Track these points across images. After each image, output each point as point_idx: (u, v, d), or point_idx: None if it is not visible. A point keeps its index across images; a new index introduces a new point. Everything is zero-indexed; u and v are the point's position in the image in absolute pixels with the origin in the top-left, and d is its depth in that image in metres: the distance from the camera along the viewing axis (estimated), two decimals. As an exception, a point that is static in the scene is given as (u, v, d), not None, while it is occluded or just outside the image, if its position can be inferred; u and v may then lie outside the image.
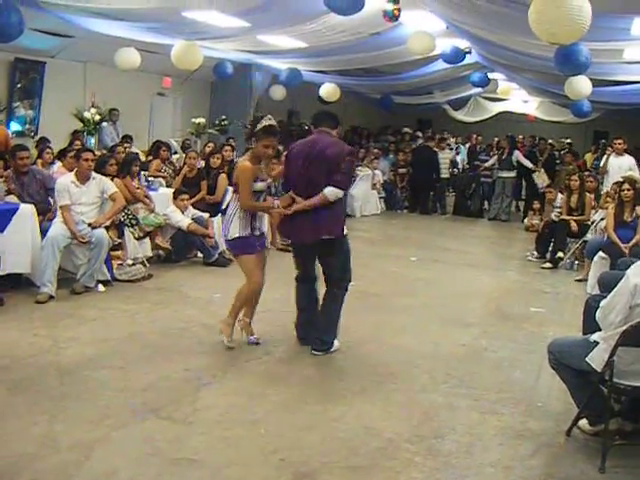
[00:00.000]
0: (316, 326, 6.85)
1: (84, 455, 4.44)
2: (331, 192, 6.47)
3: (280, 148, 10.15)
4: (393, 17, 10.70)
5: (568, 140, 22.37)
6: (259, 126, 6.46)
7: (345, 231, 6.89)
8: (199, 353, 6.51)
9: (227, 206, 7.01)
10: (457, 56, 14.75)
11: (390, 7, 10.55)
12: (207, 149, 13.87)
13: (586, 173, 14.44)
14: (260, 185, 6.59)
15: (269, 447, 4.72)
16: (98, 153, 11.31)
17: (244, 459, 4.57)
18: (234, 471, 4.41)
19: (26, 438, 4.63)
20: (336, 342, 6.85)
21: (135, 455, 4.52)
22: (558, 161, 19.30)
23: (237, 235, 6.56)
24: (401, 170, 19.51)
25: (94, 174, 8.79)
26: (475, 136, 22.07)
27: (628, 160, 13.68)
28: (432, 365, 6.62)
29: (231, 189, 7.25)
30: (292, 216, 6.61)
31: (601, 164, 14.54)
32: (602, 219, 11.01)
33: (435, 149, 19.25)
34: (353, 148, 7.01)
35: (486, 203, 19.34)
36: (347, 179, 6.75)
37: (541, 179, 17.12)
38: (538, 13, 7.78)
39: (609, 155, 14.15)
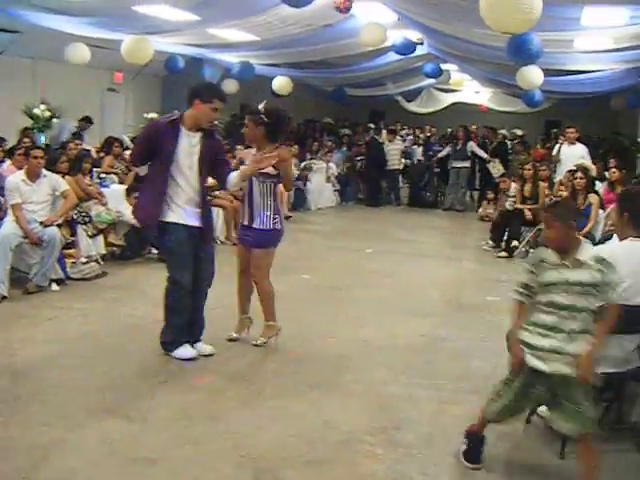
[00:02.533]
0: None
1: (40, 458, 4.36)
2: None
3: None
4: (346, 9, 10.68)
5: (519, 132, 22.54)
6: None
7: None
8: (156, 350, 6.41)
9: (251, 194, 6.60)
10: (408, 47, 14.79)
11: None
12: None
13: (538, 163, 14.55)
14: None
15: (228, 444, 4.68)
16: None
17: (203, 457, 4.51)
18: (194, 469, 4.36)
19: (-20, 442, 4.54)
20: (178, 351, 6.32)
21: (92, 456, 4.45)
22: (511, 151, 19.44)
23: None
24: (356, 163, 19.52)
25: (45, 172, 8.65)
26: (428, 127, 22.17)
27: (580, 149, 13.81)
28: (391, 356, 6.62)
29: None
30: None
31: (553, 153, 14.66)
32: (556, 207, 11.08)
33: (382, 141, 19.28)
34: (148, 123, 6.80)
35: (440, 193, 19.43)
36: (132, 150, 6.71)
37: (496, 169, 17.23)
38: (489, 2, 7.82)
39: (561, 144, 14.26)
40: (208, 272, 6.43)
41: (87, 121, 15.20)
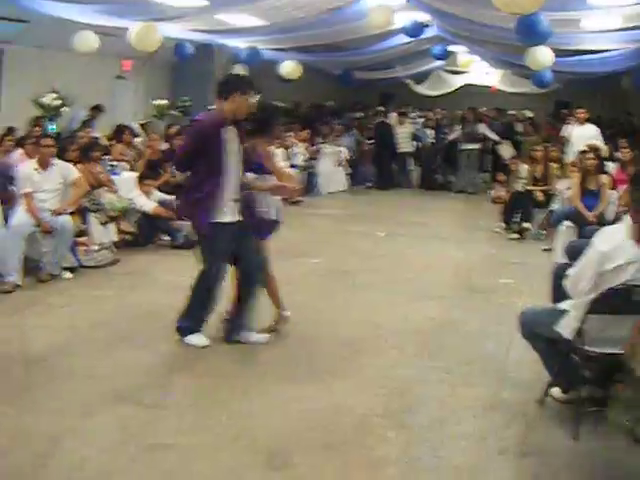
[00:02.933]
0: None
1: (54, 445, 4.39)
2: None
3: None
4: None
5: (529, 113, 22.44)
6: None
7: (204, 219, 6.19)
8: (168, 337, 6.44)
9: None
10: (417, 30, 14.74)
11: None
12: (171, 131, 13.74)
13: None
14: None
15: (242, 429, 4.70)
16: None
17: (218, 442, 4.54)
18: (207, 455, 4.39)
19: (-5, 430, 4.58)
20: (192, 337, 6.36)
21: (107, 443, 4.48)
22: (522, 132, 19.36)
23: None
24: (367, 147, 19.35)
25: (55, 160, 8.68)
26: (439, 110, 22.10)
27: (591, 129, 13.75)
28: (403, 340, 6.62)
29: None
30: None
31: (562, 133, 14.59)
32: (567, 188, 11.05)
33: (391, 124, 19.17)
34: (195, 121, 6.37)
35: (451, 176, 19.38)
36: (176, 154, 6.37)
37: (506, 151, 17.15)
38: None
39: (571, 124, 14.18)
40: (256, 260, 6.41)
41: (98, 109, 15.20)
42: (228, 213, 6.12)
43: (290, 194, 6.58)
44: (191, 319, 6.37)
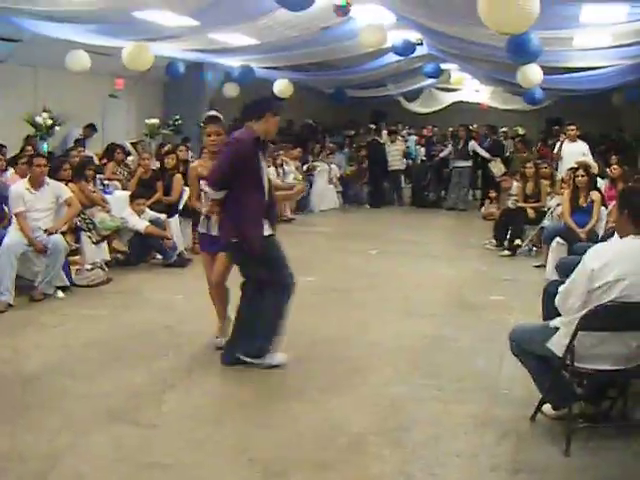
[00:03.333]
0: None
1: (50, 465, 4.40)
2: (208, 190, 6.21)
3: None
4: (346, 11, 10.71)
5: (521, 130, 22.57)
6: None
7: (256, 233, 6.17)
8: (162, 356, 6.47)
9: None
10: (408, 48, 14.83)
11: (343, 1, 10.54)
12: (162, 150, 13.76)
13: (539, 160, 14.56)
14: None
15: (238, 447, 4.71)
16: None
17: (213, 460, 4.55)
18: (204, 473, 4.40)
19: (-11, 451, 4.58)
20: (277, 356, 6.31)
21: (102, 462, 4.48)
22: (511, 150, 19.46)
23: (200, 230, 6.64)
24: (362, 165, 19.20)
25: (48, 180, 8.69)
26: (430, 127, 22.18)
27: (581, 146, 13.81)
28: (396, 357, 6.64)
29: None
30: None
31: (555, 150, 14.66)
32: (558, 205, 11.12)
33: (382, 142, 19.18)
34: (236, 138, 6.25)
35: (443, 193, 19.44)
36: (211, 173, 6.22)
37: (497, 168, 17.22)
38: (487, 4, 7.85)
39: (562, 141, 14.26)
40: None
41: (92, 128, 15.25)
42: (267, 227, 6.21)
43: (297, 196, 6.65)
44: (272, 337, 6.30)
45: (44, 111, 13.33)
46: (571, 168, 11.49)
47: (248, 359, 6.21)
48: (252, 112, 6.20)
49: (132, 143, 16.03)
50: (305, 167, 17.74)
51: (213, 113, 6.53)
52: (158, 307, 8.17)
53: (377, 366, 6.43)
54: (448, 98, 26.08)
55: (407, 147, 21.17)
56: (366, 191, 19.01)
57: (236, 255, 6.28)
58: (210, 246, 6.62)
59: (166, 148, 13.64)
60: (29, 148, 11.82)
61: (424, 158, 21.04)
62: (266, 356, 6.21)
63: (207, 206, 6.40)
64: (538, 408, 5.17)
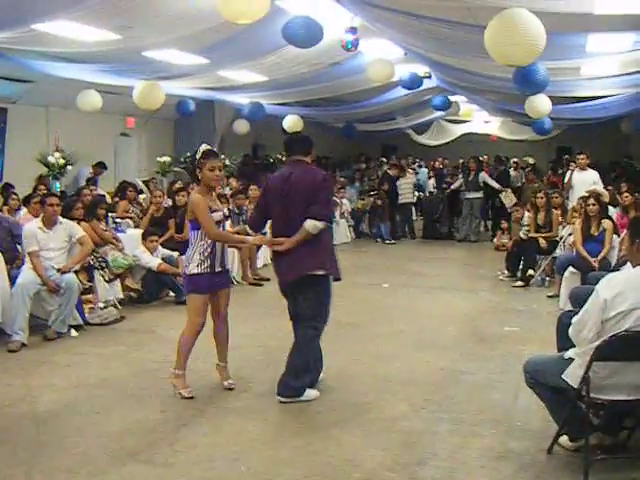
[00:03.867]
0: (286, 367, 6.44)
1: (64, 505, 4.39)
2: (311, 225, 6.12)
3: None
4: (353, 47, 10.77)
5: (531, 160, 22.59)
6: (197, 155, 6.32)
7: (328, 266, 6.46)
8: (176, 394, 6.45)
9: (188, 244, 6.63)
10: (415, 82, 14.91)
11: (350, 37, 10.61)
12: (174, 187, 13.81)
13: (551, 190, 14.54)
14: (216, 216, 6.37)
15: (251, 484, 4.69)
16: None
17: (227, 498, 4.53)
18: (217, 511, 4.38)
19: (4, 491, 4.57)
20: (311, 391, 6.41)
21: (116, 502, 4.46)
22: (523, 180, 19.49)
23: (195, 272, 6.33)
24: (379, 201, 18.72)
25: (61, 219, 8.74)
26: (441, 159, 22.24)
27: (591, 174, 13.81)
28: (410, 391, 6.61)
29: (188, 225, 7.04)
30: (278, 254, 6.36)
31: (565, 180, 14.65)
32: (570, 234, 11.10)
33: (393, 175, 19.08)
34: (327, 173, 6.69)
35: (454, 224, 19.44)
36: (326, 208, 6.31)
37: (508, 199, 17.22)
38: (493, 37, 7.90)
39: (573, 170, 14.26)
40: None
41: (101, 166, 15.35)
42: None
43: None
44: (308, 375, 6.40)
45: (56, 150, 13.43)
46: (582, 197, 11.48)
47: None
48: (307, 148, 6.64)
49: (144, 181, 16.12)
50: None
51: (210, 147, 6.52)
52: (171, 345, 8.10)
53: (391, 400, 6.40)
54: (458, 130, 26.16)
55: (418, 179, 21.18)
56: (384, 225, 18.71)
57: (311, 288, 6.36)
58: (216, 284, 6.49)
59: (177, 185, 13.71)
60: (42, 187, 11.90)
61: (432, 190, 21.04)
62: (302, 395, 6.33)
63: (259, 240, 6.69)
64: (555, 440, 5.13)
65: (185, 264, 6.54)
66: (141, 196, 14.01)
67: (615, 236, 10.25)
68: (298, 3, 9.67)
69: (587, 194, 11.06)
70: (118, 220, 11.48)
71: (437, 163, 22.40)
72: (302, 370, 6.35)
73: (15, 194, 11.34)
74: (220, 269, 6.44)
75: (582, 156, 14.04)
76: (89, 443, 5.35)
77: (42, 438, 5.46)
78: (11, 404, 6.19)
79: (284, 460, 5.08)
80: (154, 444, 5.35)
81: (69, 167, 13.81)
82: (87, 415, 5.96)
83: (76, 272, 8.72)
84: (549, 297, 10.82)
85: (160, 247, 10.65)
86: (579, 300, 5.76)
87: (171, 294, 10.57)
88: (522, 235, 12.61)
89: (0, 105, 13.69)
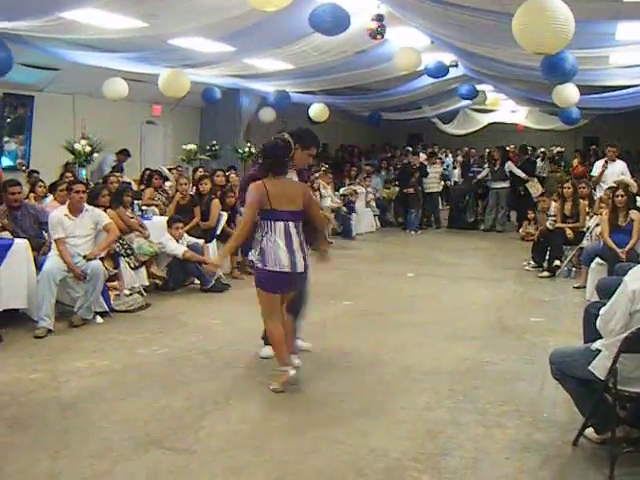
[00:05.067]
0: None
1: (88, 491, 4.40)
2: None
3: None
4: (380, 34, 10.72)
5: (558, 149, 22.41)
6: (287, 140, 6.49)
7: None
8: (200, 381, 6.47)
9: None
10: (441, 71, 14.82)
11: (376, 25, 10.56)
12: (197, 174, 13.80)
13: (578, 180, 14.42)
14: None
15: (274, 473, 4.68)
16: (92, 184, 11.36)
17: (250, 486, 4.53)
18: (240, 499, 4.38)
19: (29, 476, 4.59)
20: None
21: (140, 488, 4.48)
22: (549, 170, 19.35)
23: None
24: (409, 190, 18.38)
25: (87, 206, 8.77)
26: (467, 149, 22.12)
27: (620, 165, 13.70)
28: (435, 381, 6.58)
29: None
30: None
31: (594, 171, 14.48)
32: (597, 225, 11.01)
33: (416, 164, 18.87)
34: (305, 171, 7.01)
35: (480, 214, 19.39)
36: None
37: (534, 188, 17.12)
38: (522, 24, 7.81)
39: (605, 168, 13.95)
40: None
41: (125, 154, 15.40)
42: None
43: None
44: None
45: (82, 138, 13.48)
46: (610, 187, 11.38)
47: None
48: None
49: (169, 169, 16.16)
50: (341, 191, 17.74)
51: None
52: (196, 332, 8.18)
53: (416, 390, 6.38)
54: (484, 119, 25.97)
55: (444, 169, 21.08)
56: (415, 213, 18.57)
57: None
58: (289, 285, 6.44)
59: (199, 173, 13.70)
60: (68, 175, 11.94)
61: (456, 180, 20.93)
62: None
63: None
64: (580, 432, 5.09)
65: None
66: (167, 184, 14.02)
67: (643, 227, 10.15)
68: (325, -10, 9.63)
69: (615, 184, 10.96)
70: (144, 208, 11.49)
71: (462, 153, 22.28)
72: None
73: (42, 181, 11.39)
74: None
75: (614, 149, 13.93)
76: (113, 429, 5.37)
77: (67, 423, 5.49)
78: (36, 390, 6.22)
79: (307, 449, 5.08)
80: (178, 431, 5.36)
81: (95, 155, 13.87)
82: (111, 401, 5.98)
83: (102, 259, 8.75)
84: (575, 288, 10.75)
85: (185, 235, 10.66)
86: (606, 291, 5.71)
87: (196, 282, 10.59)
88: (549, 225, 12.52)
89: (27, 92, 13.77)
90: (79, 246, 8.55)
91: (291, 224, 6.21)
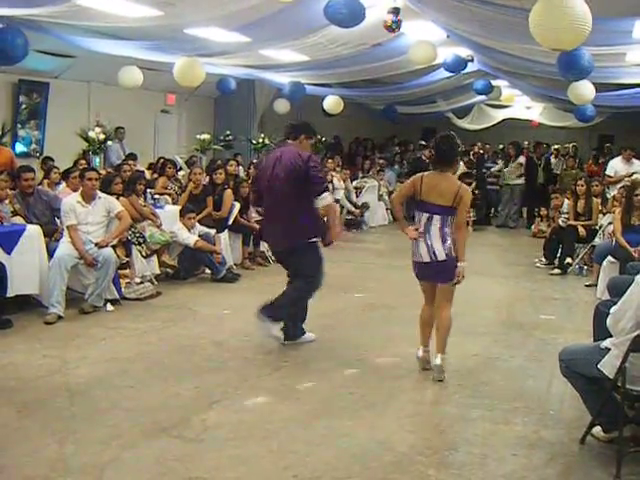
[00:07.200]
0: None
1: (95, 477, 4.42)
2: (324, 199, 7.10)
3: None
4: (396, 28, 10.68)
5: (573, 144, 22.29)
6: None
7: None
8: (209, 370, 6.49)
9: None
10: (458, 64, 14.75)
11: (392, 18, 10.53)
12: (213, 165, 13.79)
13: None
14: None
15: (281, 464, 4.69)
16: (104, 172, 11.37)
17: (256, 476, 4.54)
18: (247, 489, 4.39)
19: (37, 461, 4.60)
20: (276, 329, 7.06)
21: (147, 475, 4.48)
22: (564, 167, 19.28)
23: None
24: None
25: (99, 193, 8.80)
26: (481, 144, 22.03)
27: (636, 165, 13.68)
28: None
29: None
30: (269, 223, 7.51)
31: (611, 173, 14.39)
32: (610, 223, 10.97)
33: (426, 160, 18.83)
34: (311, 154, 7.29)
35: (493, 210, 19.35)
36: (318, 184, 7.08)
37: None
38: (539, 20, 7.76)
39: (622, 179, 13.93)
40: None
41: (120, 131, 15.21)
42: None
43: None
44: (282, 312, 7.09)
45: (97, 125, 13.51)
46: (623, 186, 11.33)
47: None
48: (295, 133, 7.47)
49: (186, 161, 16.16)
50: (354, 183, 17.74)
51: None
52: (206, 322, 8.21)
53: (425, 384, 6.39)
54: (499, 115, 25.84)
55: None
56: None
57: (306, 251, 7.17)
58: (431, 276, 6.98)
59: (216, 163, 13.70)
60: (82, 162, 11.96)
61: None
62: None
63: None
64: (588, 430, 5.08)
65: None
66: (180, 173, 14.02)
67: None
68: (341, -17, 9.59)
69: (630, 183, 10.91)
70: (157, 196, 11.50)
71: (476, 148, 22.18)
72: (280, 306, 7.00)
73: (56, 168, 11.41)
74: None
75: (630, 152, 14.02)
76: (121, 416, 5.39)
77: (75, 410, 5.51)
78: (46, 375, 6.25)
79: (315, 441, 5.08)
80: (186, 420, 5.38)
81: (109, 142, 13.89)
82: (120, 389, 6.00)
83: (114, 247, 8.78)
84: (586, 286, 10.72)
85: (198, 224, 10.68)
86: (617, 290, 5.68)
87: (207, 271, 10.61)
88: (561, 223, 12.48)
89: (42, 79, 13.78)
90: (91, 233, 8.58)
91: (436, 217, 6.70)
